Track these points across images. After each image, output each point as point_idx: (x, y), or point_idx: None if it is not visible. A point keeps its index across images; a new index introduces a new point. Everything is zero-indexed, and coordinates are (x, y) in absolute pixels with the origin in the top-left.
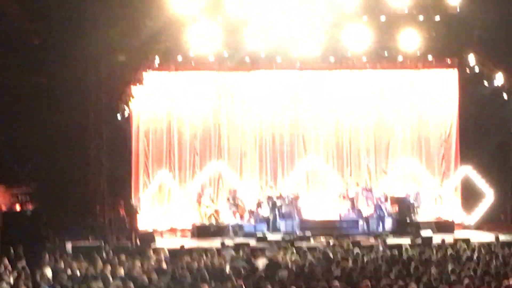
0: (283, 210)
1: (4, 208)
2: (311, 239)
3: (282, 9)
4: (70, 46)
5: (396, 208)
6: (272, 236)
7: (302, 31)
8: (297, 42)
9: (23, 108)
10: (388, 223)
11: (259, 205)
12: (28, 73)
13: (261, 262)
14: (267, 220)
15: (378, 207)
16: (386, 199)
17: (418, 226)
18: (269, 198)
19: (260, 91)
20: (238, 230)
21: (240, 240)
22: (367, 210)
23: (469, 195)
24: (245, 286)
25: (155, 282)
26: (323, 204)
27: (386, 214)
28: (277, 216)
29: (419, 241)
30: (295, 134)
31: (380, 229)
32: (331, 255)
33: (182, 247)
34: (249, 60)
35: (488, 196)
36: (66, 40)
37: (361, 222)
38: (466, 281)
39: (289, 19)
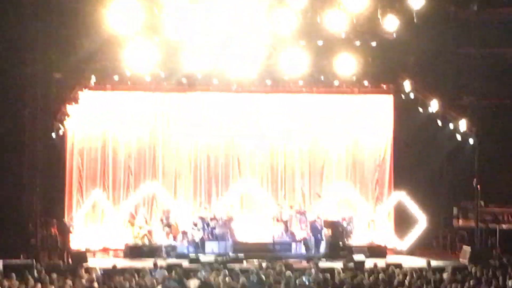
0: (217, 231)
1: None
2: (244, 261)
3: (220, 31)
4: (6, 62)
5: (330, 231)
6: (205, 258)
7: (239, 54)
8: (234, 65)
9: None
10: (322, 247)
11: (192, 226)
12: None
13: (193, 284)
14: (200, 242)
15: (314, 229)
16: (319, 223)
17: (351, 250)
18: (203, 219)
19: (196, 113)
20: (171, 250)
21: (173, 261)
22: (301, 233)
23: (402, 221)
24: None
25: None
26: (256, 226)
27: (322, 236)
28: (210, 238)
29: (351, 265)
30: (230, 156)
31: (315, 251)
32: (263, 278)
33: (114, 266)
34: (185, 81)
35: (421, 221)
36: (2, 55)
37: (294, 245)
38: None
39: (226, 41)
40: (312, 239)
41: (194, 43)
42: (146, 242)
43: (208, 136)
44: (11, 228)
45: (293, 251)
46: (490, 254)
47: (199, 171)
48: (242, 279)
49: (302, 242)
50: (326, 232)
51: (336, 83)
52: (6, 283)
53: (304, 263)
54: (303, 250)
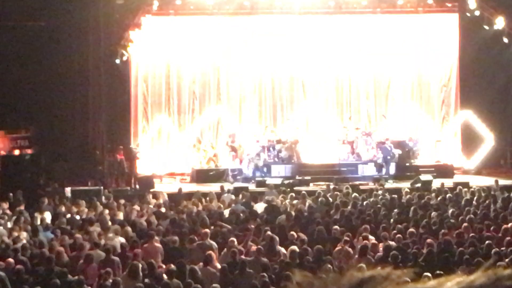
0: (282, 154)
1: (3, 153)
2: (311, 184)
3: None
4: None
5: (397, 152)
6: (271, 181)
7: None
8: None
9: (22, 52)
10: (391, 167)
11: (258, 149)
12: (27, 16)
13: (260, 207)
14: (266, 165)
15: (384, 150)
16: (389, 144)
17: (418, 171)
18: (270, 141)
19: (260, 36)
20: (237, 174)
21: (239, 184)
22: (367, 154)
23: (469, 140)
24: (244, 230)
25: (154, 226)
26: (322, 148)
27: (392, 157)
28: (276, 160)
29: (418, 185)
30: (294, 79)
31: (385, 172)
32: (330, 200)
33: (180, 190)
34: (248, 4)
35: (488, 140)
36: None
37: (360, 167)
38: (466, 224)
39: None
40: (382, 159)
41: None
42: (213, 166)
43: (271, 59)
44: (78, 155)
45: (359, 172)
46: None
47: (264, 94)
48: (308, 201)
49: (373, 163)
50: (396, 152)
51: (400, 2)
52: (74, 209)
53: (371, 185)
54: (370, 171)
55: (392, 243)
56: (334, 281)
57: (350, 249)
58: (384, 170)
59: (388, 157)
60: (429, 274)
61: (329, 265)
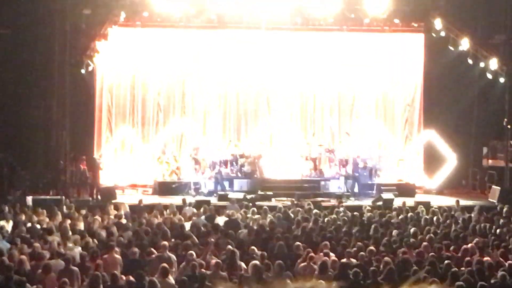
0: (245, 168)
1: None
2: (272, 199)
3: None
4: None
5: (363, 168)
6: (233, 195)
7: None
8: (265, 2)
9: None
10: (355, 185)
11: (221, 163)
12: None
13: (221, 220)
14: (229, 179)
15: (354, 167)
16: (347, 162)
17: (380, 189)
18: (233, 155)
19: (227, 50)
20: (199, 187)
21: (201, 197)
22: (329, 171)
23: (432, 160)
24: (205, 244)
25: (114, 237)
26: (285, 164)
27: (359, 175)
28: (239, 175)
29: (380, 203)
30: (259, 93)
31: (351, 188)
32: (291, 216)
33: (140, 201)
34: (215, 18)
35: (451, 160)
36: None
37: (322, 183)
38: (425, 243)
39: None
40: (350, 176)
41: None
42: (175, 178)
43: (237, 73)
44: (41, 164)
45: (322, 189)
46: None
47: (229, 108)
48: (270, 216)
49: (344, 176)
50: (363, 170)
51: (366, 21)
52: (35, 218)
53: (333, 201)
54: (333, 188)
55: (353, 260)
56: None
57: (314, 265)
58: (354, 185)
59: (356, 174)
60: None
61: (289, 281)
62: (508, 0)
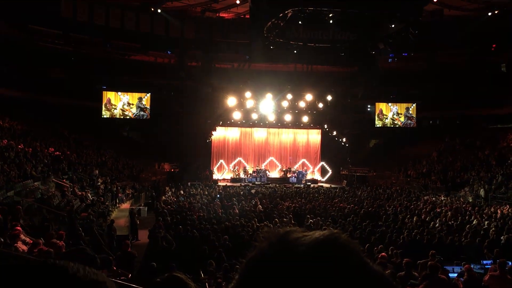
0: (261, 174)
1: None
2: (270, 185)
3: None
4: None
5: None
6: (257, 183)
7: None
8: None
9: None
10: (296, 180)
11: (253, 172)
12: None
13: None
14: (255, 177)
15: (300, 174)
16: (294, 172)
17: (306, 181)
18: (256, 169)
19: (256, 134)
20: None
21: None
22: (290, 176)
23: (323, 171)
24: None
25: None
26: (275, 173)
27: (302, 176)
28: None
29: (307, 184)
30: (265, 146)
31: (296, 181)
32: (277, 190)
33: None
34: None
35: (330, 171)
36: None
37: (291, 179)
38: (320, 199)
39: None
40: (295, 177)
41: None
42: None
43: (257, 141)
44: None
45: (288, 181)
46: None
47: (253, 153)
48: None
49: (294, 178)
50: (299, 175)
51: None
52: None
53: (290, 185)
54: (291, 181)
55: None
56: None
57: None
58: (298, 180)
59: (301, 176)
60: None
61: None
62: None
